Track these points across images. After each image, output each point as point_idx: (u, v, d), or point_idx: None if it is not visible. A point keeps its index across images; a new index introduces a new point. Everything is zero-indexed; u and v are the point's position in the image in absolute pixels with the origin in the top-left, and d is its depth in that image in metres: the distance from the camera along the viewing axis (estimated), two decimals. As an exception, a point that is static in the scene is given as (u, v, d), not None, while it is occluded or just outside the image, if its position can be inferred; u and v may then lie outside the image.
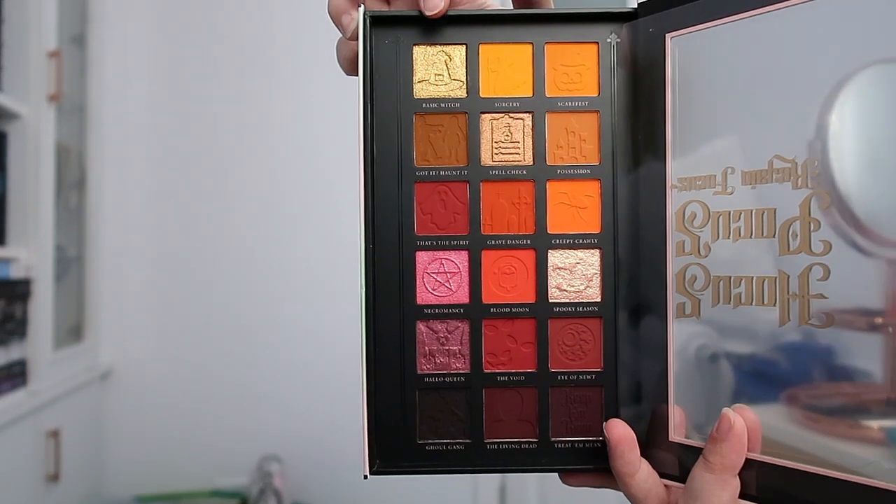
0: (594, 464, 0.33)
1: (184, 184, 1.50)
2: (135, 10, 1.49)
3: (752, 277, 0.30)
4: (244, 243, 1.49)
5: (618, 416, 0.33)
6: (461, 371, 0.34)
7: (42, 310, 1.17)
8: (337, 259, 1.48)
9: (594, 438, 0.34)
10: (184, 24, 1.51)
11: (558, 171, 0.34)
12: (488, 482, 1.48)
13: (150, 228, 1.50)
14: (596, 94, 0.34)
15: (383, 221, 0.34)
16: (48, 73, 1.17)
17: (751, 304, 0.30)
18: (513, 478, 1.50)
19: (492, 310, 0.34)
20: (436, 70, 0.35)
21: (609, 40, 0.34)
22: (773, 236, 0.30)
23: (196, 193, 1.50)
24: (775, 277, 0.29)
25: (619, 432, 0.31)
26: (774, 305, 0.29)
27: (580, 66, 0.35)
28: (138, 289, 1.49)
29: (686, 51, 0.32)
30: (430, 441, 0.34)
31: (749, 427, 0.29)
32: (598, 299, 0.34)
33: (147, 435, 1.48)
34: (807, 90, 0.29)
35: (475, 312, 0.34)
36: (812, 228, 0.28)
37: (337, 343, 1.46)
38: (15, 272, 1.13)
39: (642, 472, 0.31)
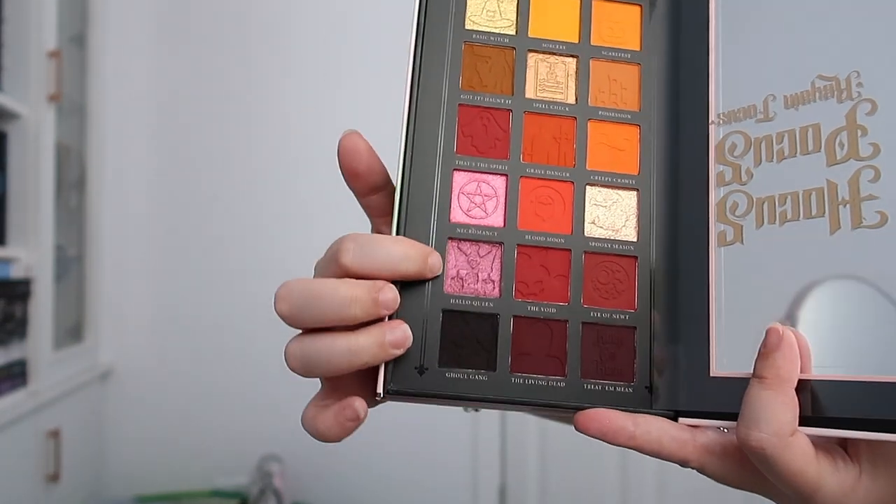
0: (623, 407, 0.31)
1: (184, 184, 1.50)
2: (135, 10, 1.49)
3: (799, 192, 0.30)
4: (244, 243, 1.49)
5: (650, 360, 0.32)
6: (490, 297, 0.33)
7: (42, 310, 1.17)
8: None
9: (625, 382, 0.32)
10: (184, 24, 1.51)
11: (600, 113, 0.35)
12: (488, 482, 1.49)
13: (150, 228, 1.50)
14: (638, 49, 0.36)
15: (423, 137, 0.33)
16: (48, 73, 1.17)
17: (798, 219, 0.29)
18: (513, 478, 1.50)
19: (527, 237, 0.33)
20: (489, 8, 0.36)
21: (652, 5, 0.36)
22: (820, 150, 0.29)
23: (196, 193, 1.50)
24: (823, 188, 0.29)
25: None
26: (824, 215, 0.29)
27: (624, 23, 0.36)
28: (138, 289, 1.49)
29: (730, 1, 0.34)
30: (451, 368, 0.32)
31: (801, 344, 0.28)
32: (634, 239, 0.33)
33: (147, 435, 1.48)
34: (842, 11, 0.30)
35: (509, 237, 0.33)
36: (860, 135, 0.28)
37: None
38: (15, 272, 1.13)
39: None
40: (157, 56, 1.50)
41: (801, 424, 0.27)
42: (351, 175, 0.33)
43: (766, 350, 0.28)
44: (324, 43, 1.50)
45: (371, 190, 0.34)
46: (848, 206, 0.28)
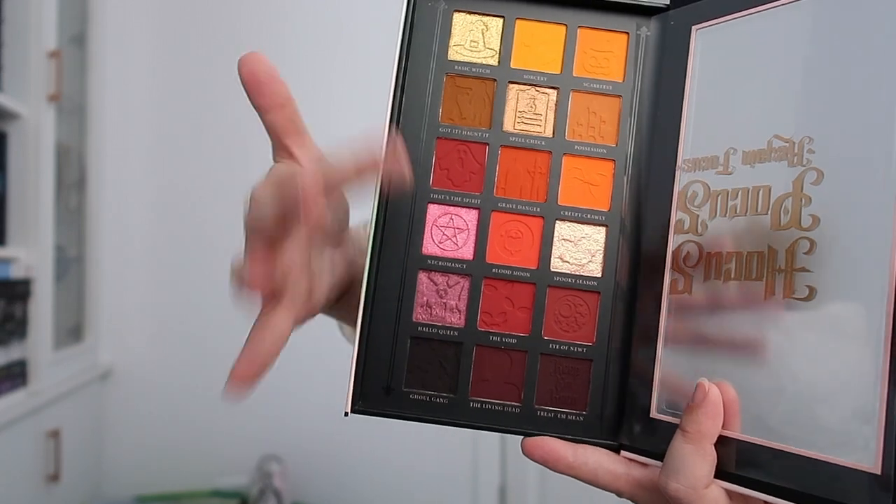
0: (574, 436, 0.33)
1: (184, 184, 1.50)
2: (135, 10, 1.49)
3: (743, 253, 0.31)
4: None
5: (603, 392, 0.34)
6: (455, 325, 0.34)
7: (42, 310, 1.17)
8: (337, 259, 1.48)
9: (577, 411, 0.34)
10: (184, 24, 1.51)
11: (575, 147, 0.35)
12: (488, 482, 1.49)
13: (150, 228, 1.50)
14: (621, 80, 0.36)
15: None
16: (48, 73, 1.17)
17: (740, 279, 0.30)
18: (513, 478, 1.50)
19: (494, 270, 0.35)
20: (472, 37, 0.36)
21: (639, 32, 0.36)
22: (767, 213, 0.30)
23: (196, 193, 1.50)
24: (764, 252, 0.30)
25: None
26: (762, 280, 0.30)
27: (609, 53, 0.36)
28: (138, 289, 1.49)
29: (709, 42, 0.34)
30: (415, 390, 0.34)
31: (727, 401, 0.29)
32: (599, 275, 0.35)
33: (147, 435, 1.48)
34: (809, 75, 0.30)
35: (477, 270, 0.35)
36: (803, 203, 0.29)
37: (337, 342, 1.46)
38: (15, 272, 1.13)
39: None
40: (157, 56, 1.50)
41: (719, 477, 0.29)
42: (252, 85, 0.33)
43: (691, 405, 0.29)
44: (324, 43, 1.50)
45: (273, 106, 0.34)
46: (783, 274, 0.29)
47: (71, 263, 1.38)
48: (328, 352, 1.48)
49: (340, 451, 1.48)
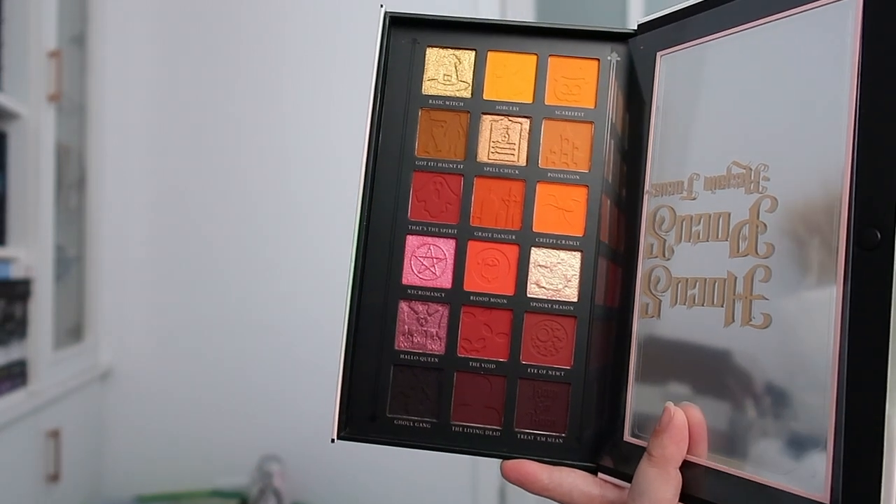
0: (553, 458, 0.34)
1: (184, 184, 1.50)
2: (135, 10, 1.49)
3: (706, 279, 0.31)
4: (244, 243, 1.49)
5: (581, 415, 0.34)
6: (436, 352, 0.35)
7: (42, 310, 1.17)
8: (338, 259, 1.48)
9: (556, 434, 0.34)
10: (184, 24, 1.51)
11: (549, 175, 0.36)
12: (488, 482, 1.49)
13: (150, 228, 1.50)
14: (592, 107, 0.36)
15: (380, 203, 0.36)
16: (48, 73, 1.17)
17: (703, 304, 0.31)
18: (513, 478, 1.50)
19: (472, 297, 0.36)
20: (445, 70, 0.37)
21: (609, 58, 0.36)
22: (726, 239, 0.31)
23: (196, 193, 1.50)
24: (724, 279, 0.30)
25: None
26: (722, 306, 0.30)
27: (580, 80, 0.36)
28: (138, 289, 1.49)
29: (673, 67, 0.34)
30: (399, 416, 0.35)
31: (694, 424, 0.30)
32: (575, 300, 0.35)
33: (147, 435, 1.48)
34: (765, 100, 0.30)
35: (456, 298, 0.36)
36: (759, 231, 0.29)
37: (338, 343, 1.46)
38: (15, 272, 1.13)
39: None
40: (157, 56, 1.50)
41: (684, 500, 0.30)
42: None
43: (658, 429, 0.30)
44: (324, 43, 1.50)
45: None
46: (741, 301, 0.30)
47: (71, 263, 1.37)
48: (329, 353, 1.48)
49: (340, 452, 1.47)
